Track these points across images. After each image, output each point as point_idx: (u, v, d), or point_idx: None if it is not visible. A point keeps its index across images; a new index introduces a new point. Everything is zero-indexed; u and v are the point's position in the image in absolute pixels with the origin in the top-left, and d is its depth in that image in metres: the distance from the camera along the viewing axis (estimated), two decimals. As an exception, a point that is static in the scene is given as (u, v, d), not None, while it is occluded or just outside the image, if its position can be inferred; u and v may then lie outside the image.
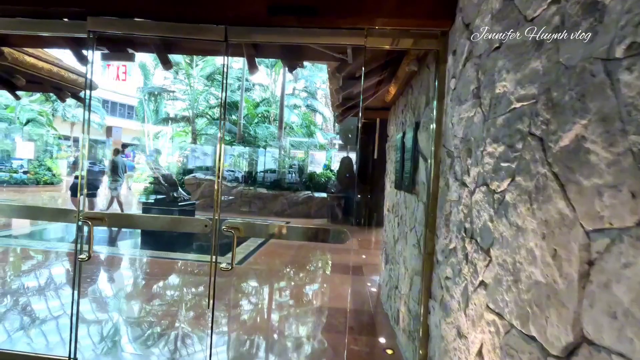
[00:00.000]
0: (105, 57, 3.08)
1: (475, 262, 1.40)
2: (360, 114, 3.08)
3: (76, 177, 7.80)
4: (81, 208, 2.27)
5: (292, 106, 18.24)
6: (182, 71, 16.64)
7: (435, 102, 2.09)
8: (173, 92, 17.87)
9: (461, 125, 1.67)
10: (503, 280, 1.16)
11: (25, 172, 15.32)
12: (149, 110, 22.42)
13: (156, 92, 18.33)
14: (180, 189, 7.43)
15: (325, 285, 4.80)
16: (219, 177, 2.31)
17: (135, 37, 2.88)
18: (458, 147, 1.71)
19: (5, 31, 2.44)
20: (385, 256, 4.12)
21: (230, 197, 10.84)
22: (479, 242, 1.38)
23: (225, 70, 2.57)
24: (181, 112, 18.60)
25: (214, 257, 2.17)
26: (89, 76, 2.43)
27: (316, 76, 21.80)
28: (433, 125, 2.10)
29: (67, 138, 27.60)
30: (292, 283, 4.89)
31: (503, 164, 1.22)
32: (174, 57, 16.32)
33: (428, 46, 2.13)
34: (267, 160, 12.62)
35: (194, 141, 15.79)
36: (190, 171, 12.59)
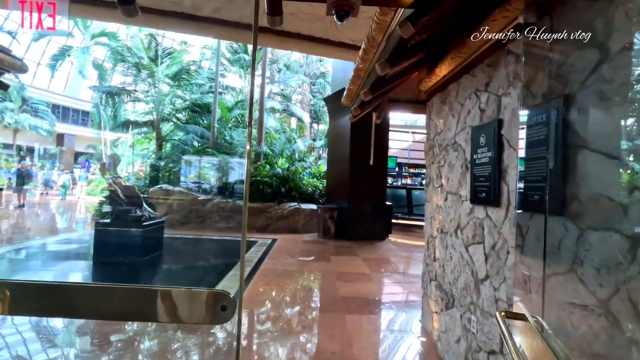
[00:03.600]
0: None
1: None
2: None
3: None
4: None
5: (269, 109, 16.98)
6: (145, 71, 14.86)
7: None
8: (135, 92, 15.94)
9: None
10: None
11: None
12: (105, 115, 20.17)
13: (114, 92, 16.28)
14: (144, 204, 5.97)
15: (349, 335, 3.57)
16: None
17: None
18: None
19: None
20: (441, 296, 3.02)
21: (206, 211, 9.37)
22: None
23: None
24: (143, 116, 16.70)
25: None
26: None
27: (292, 79, 20.79)
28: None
29: (8, 146, 24.48)
30: (299, 328, 3.66)
31: None
32: (139, 53, 14.62)
33: None
34: (243, 169, 11.25)
35: (159, 148, 14.02)
36: (156, 182, 10.94)
